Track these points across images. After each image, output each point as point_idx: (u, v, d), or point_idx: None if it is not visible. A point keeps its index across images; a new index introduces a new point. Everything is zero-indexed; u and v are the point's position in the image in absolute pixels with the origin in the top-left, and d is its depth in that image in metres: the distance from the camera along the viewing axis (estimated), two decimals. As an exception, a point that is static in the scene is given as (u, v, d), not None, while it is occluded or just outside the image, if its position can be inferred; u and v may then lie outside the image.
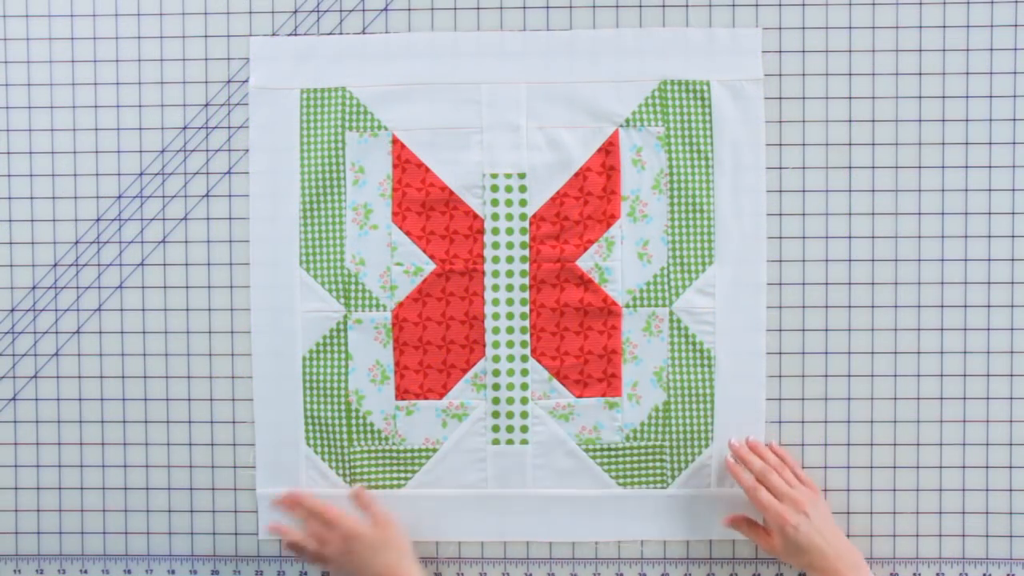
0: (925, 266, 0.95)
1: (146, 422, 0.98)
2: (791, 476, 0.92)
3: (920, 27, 0.94)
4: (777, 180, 0.95)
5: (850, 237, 0.95)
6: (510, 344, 0.96)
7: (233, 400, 0.97)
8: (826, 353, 0.96)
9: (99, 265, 0.97)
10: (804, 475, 0.93)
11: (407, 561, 0.91)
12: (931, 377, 0.96)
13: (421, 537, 0.97)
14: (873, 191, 0.95)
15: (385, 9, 0.95)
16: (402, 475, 0.97)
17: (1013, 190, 0.95)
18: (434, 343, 0.96)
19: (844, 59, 0.94)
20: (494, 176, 0.95)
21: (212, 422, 0.97)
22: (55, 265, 0.97)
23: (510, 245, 0.95)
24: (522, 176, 0.95)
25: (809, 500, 0.89)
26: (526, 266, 0.96)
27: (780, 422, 0.96)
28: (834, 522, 0.90)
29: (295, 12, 0.96)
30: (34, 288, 0.97)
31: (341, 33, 0.95)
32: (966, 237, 0.95)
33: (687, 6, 0.94)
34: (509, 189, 0.95)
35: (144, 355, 0.97)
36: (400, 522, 0.95)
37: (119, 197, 0.97)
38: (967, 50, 0.94)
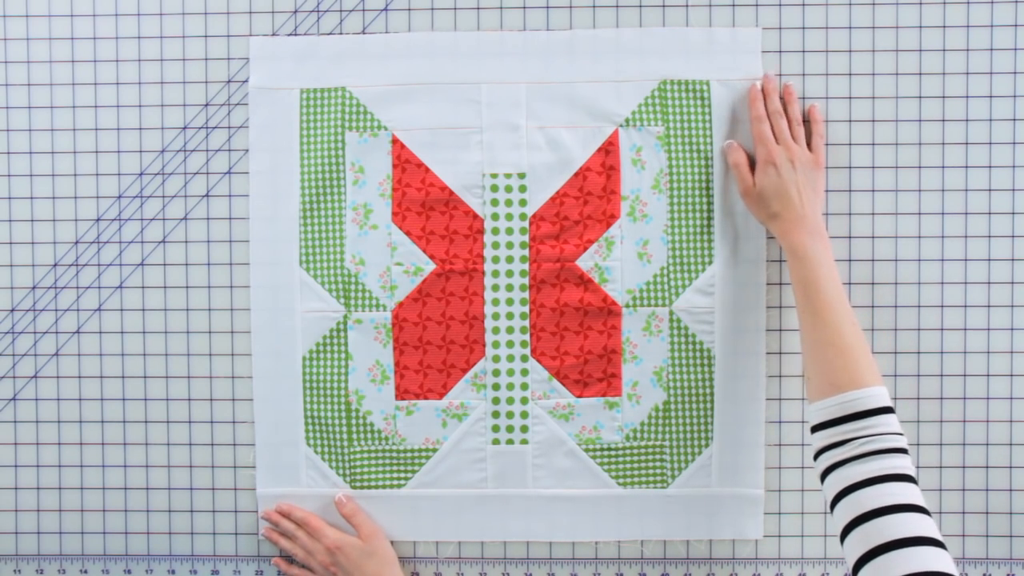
0: (925, 266, 0.95)
1: (146, 422, 0.98)
2: (802, 135, 0.91)
3: (920, 27, 0.94)
4: (777, 180, 0.95)
5: (850, 237, 0.95)
6: (510, 344, 0.96)
7: (233, 400, 0.97)
8: (826, 353, 0.95)
9: (99, 265, 0.97)
10: (820, 148, 0.91)
11: (392, 569, 0.92)
12: (931, 377, 0.96)
13: (421, 537, 0.97)
14: (873, 191, 0.95)
15: (385, 9, 0.95)
16: (402, 475, 0.97)
17: (1013, 190, 0.95)
18: (434, 343, 0.96)
19: (844, 59, 0.94)
20: (494, 176, 0.95)
21: (212, 422, 0.97)
22: (55, 265, 0.97)
23: (510, 245, 0.95)
24: (522, 176, 0.95)
25: (805, 159, 0.89)
26: (526, 266, 0.96)
27: (780, 422, 0.96)
28: (821, 200, 0.90)
29: (295, 12, 0.96)
30: (34, 288, 0.97)
31: (341, 33, 0.95)
32: (966, 237, 0.95)
33: (687, 6, 0.94)
34: (509, 189, 0.95)
35: (144, 355, 0.97)
36: (384, 531, 0.96)
37: (119, 197, 0.97)
38: (967, 50, 0.94)
